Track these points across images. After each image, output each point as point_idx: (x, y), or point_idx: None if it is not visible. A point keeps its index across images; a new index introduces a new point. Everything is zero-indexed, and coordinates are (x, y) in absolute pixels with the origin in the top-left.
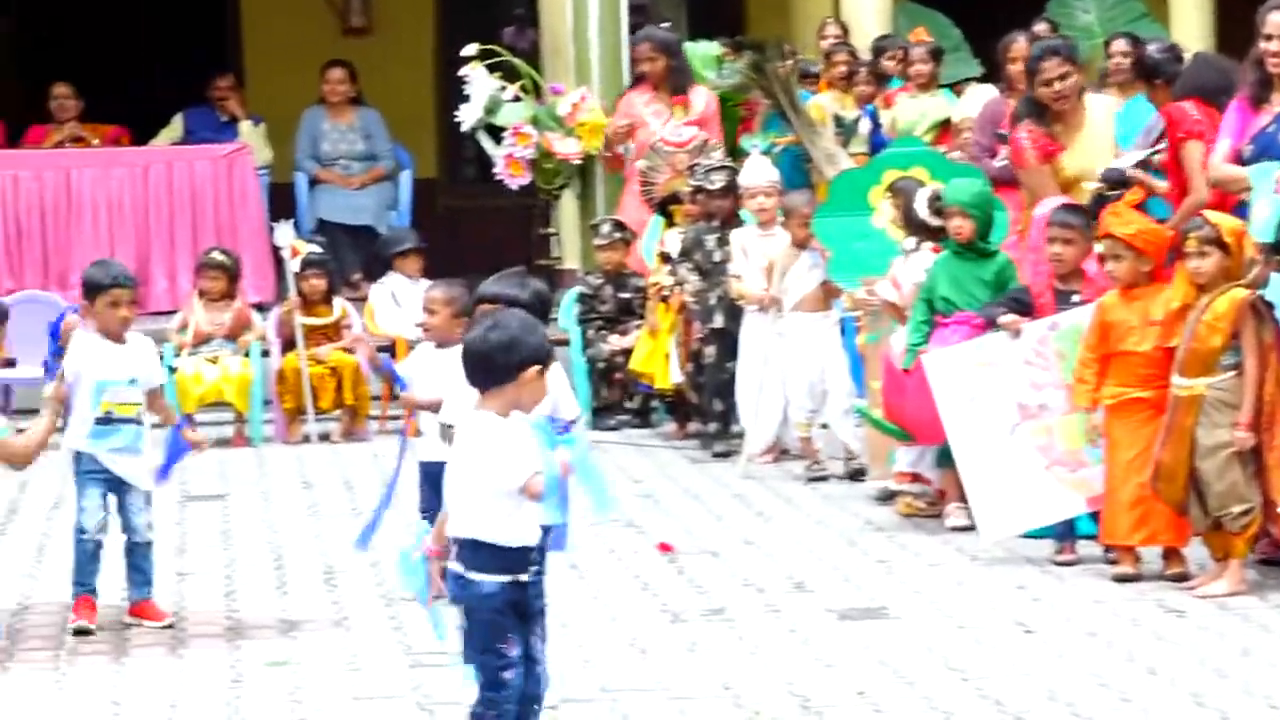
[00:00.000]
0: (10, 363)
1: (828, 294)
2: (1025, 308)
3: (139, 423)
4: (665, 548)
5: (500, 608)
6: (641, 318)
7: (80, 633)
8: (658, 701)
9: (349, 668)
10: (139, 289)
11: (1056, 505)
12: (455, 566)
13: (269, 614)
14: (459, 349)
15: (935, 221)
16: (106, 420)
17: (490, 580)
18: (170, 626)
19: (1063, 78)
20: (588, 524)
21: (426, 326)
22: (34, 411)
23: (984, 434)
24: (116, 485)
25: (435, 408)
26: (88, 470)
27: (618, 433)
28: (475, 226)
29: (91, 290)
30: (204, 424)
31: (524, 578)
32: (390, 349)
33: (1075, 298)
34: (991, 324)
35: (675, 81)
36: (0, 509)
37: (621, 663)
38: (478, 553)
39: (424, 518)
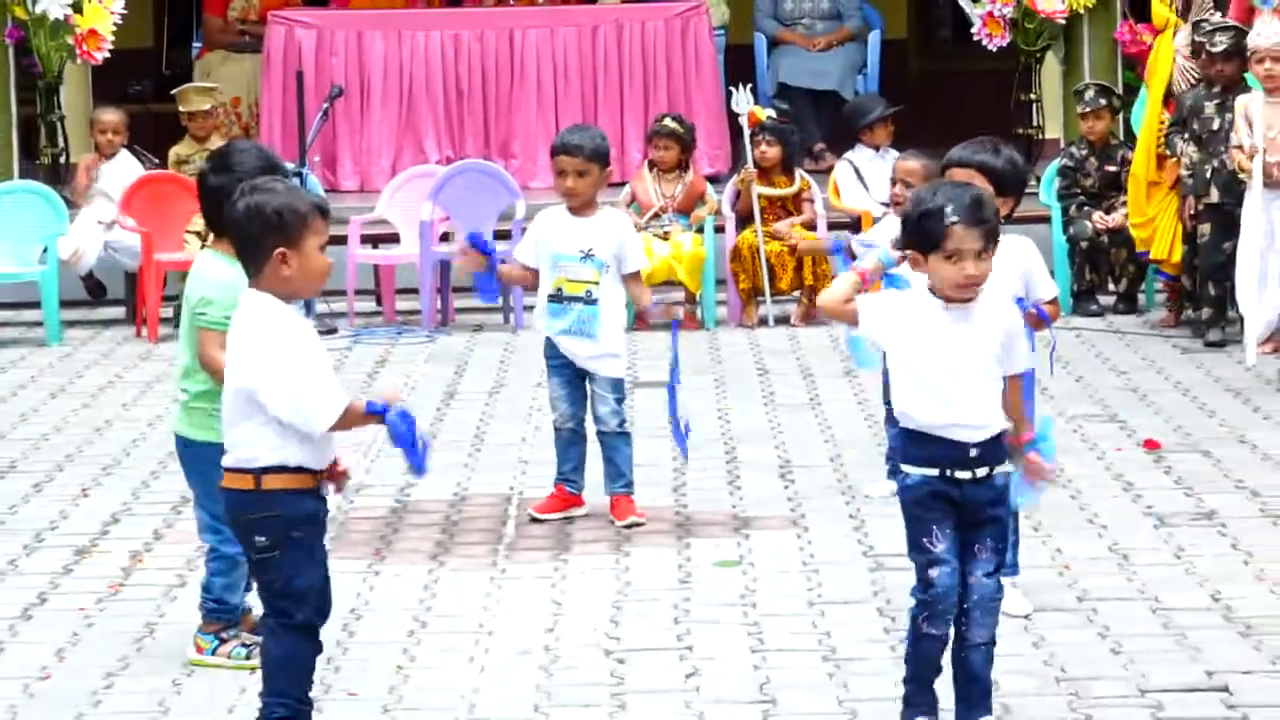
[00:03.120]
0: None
1: None
2: None
3: (591, 302)
4: (1151, 444)
5: (924, 500)
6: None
7: (535, 521)
8: (1139, 613)
9: (805, 569)
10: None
11: None
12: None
13: (720, 510)
14: None
15: None
16: (557, 298)
17: (916, 473)
18: (632, 526)
19: None
20: (1064, 420)
21: (897, 200)
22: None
23: None
24: (582, 371)
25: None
26: (549, 355)
27: (1100, 319)
28: (949, 92)
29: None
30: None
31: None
32: (855, 227)
33: None
34: None
35: None
36: (438, 392)
37: (1101, 570)
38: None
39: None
